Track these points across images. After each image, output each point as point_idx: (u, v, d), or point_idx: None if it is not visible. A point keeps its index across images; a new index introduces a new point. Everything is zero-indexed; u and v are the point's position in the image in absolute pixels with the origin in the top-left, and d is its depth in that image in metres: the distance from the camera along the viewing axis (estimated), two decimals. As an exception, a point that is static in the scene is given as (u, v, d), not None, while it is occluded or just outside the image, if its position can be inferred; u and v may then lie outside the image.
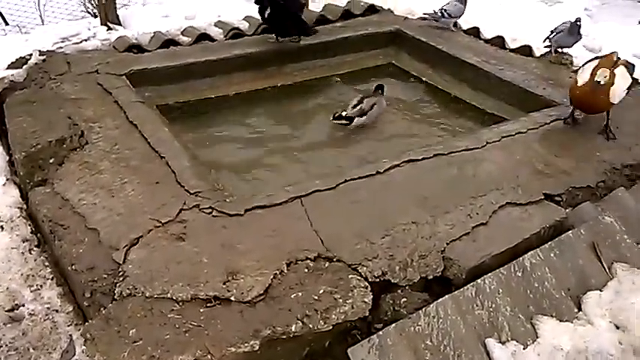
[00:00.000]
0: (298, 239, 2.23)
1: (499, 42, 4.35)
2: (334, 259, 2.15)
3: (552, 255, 2.32)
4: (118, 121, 3.03)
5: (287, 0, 4.02)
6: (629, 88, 3.11)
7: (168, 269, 2.06)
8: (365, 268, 2.14)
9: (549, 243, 2.35)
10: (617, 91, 2.99)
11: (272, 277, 2.02)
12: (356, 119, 3.52)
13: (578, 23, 3.92)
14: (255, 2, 4.10)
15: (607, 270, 2.37)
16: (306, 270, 2.08)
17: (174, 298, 1.94)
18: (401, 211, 2.46)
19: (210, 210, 2.35)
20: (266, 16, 4.05)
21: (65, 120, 3.00)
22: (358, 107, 3.54)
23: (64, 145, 2.82)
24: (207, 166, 2.89)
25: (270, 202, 2.41)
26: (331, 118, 3.53)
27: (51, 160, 2.76)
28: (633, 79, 3.15)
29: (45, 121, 2.99)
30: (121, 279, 2.04)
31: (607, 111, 3.12)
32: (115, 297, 1.99)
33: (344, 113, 3.51)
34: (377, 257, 2.20)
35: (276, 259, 2.11)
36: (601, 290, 2.28)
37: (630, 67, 3.15)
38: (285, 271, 2.07)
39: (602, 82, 2.89)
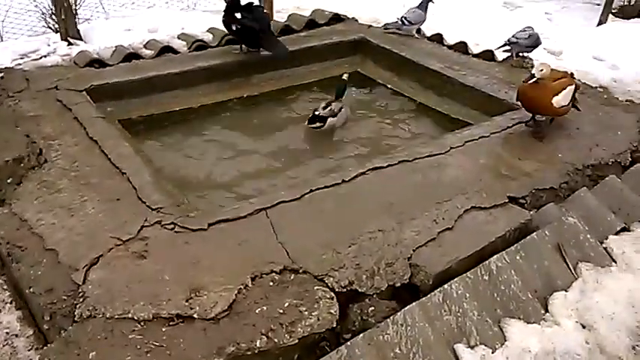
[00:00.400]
0: (263, 252, 2.20)
1: (462, 47, 4.40)
2: (300, 271, 2.13)
3: (518, 257, 2.34)
4: (78, 138, 2.96)
5: (259, 20, 4.00)
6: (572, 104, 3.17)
7: (129, 288, 2.01)
8: (331, 279, 2.12)
9: (515, 245, 2.37)
10: (561, 100, 3.03)
11: (236, 292, 1.99)
12: (329, 119, 3.54)
13: (534, 33, 4.01)
14: (226, 18, 4.06)
15: (572, 270, 2.41)
16: (272, 283, 2.05)
17: (135, 318, 1.89)
18: (367, 219, 2.45)
19: (172, 226, 2.30)
20: (234, 28, 4.00)
21: (23, 138, 2.92)
22: (328, 108, 3.57)
23: (22, 164, 2.74)
24: (170, 180, 2.85)
25: (235, 215, 2.38)
26: (306, 123, 3.55)
27: (8, 180, 2.67)
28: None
29: (1, 139, 2.90)
30: (80, 300, 1.98)
31: (551, 118, 3.19)
32: (75, 319, 1.93)
33: (317, 113, 3.52)
34: (343, 267, 2.18)
35: (240, 274, 2.07)
36: (567, 290, 2.31)
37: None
38: (250, 285, 2.03)
39: (537, 75, 2.94)
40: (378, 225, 2.42)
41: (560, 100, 3.02)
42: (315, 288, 2.04)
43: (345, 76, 3.79)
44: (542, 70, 2.96)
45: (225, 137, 3.56)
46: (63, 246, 2.23)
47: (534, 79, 2.96)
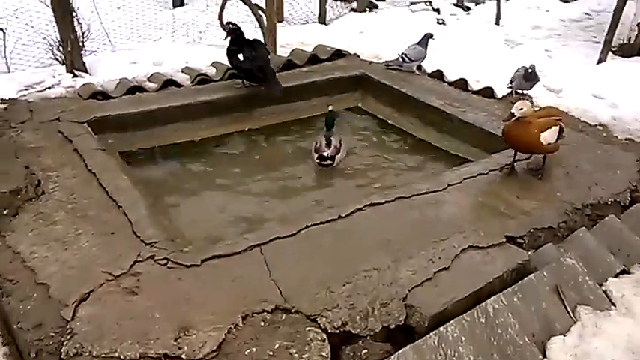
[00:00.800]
0: (256, 290, 2.18)
1: (462, 84, 4.43)
2: (292, 310, 2.10)
3: (515, 299, 2.30)
4: (77, 170, 2.98)
5: (259, 59, 4.05)
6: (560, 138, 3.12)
7: (118, 325, 1.99)
8: (324, 319, 2.09)
9: (512, 287, 2.34)
10: (548, 137, 2.99)
11: (226, 331, 1.96)
12: (337, 157, 3.58)
13: (530, 70, 4.05)
14: (229, 53, 4.13)
15: (570, 313, 2.36)
16: (263, 323, 2.02)
17: (122, 357, 1.86)
18: (363, 256, 2.43)
19: (165, 261, 2.28)
20: (242, 59, 4.05)
21: (22, 170, 2.93)
22: (332, 146, 3.57)
23: (19, 196, 2.74)
24: (167, 213, 2.84)
25: (229, 251, 2.36)
26: (317, 161, 3.57)
27: (5, 212, 2.67)
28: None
29: (0, 171, 2.91)
30: (68, 337, 1.95)
31: (544, 156, 3.16)
32: (62, 357, 1.90)
33: (325, 154, 3.54)
34: (337, 307, 2.15)
35: (231, 312, 2.05)
36: (565, 335, 2.26)
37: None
38: (241, 324, 2.00)
39: (516, 114, 2.92)
40: (373, 263, 2.39)
41: (547, 137, 2.99)
42: (307, 329, 2.00)
43: (330, 107, 3.79)
44: (521, 108, 2.93)
45: (225, 170, 3.56)
46: (54, 280, 2.22)
47: (514, 118, 2.93)
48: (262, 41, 4.89)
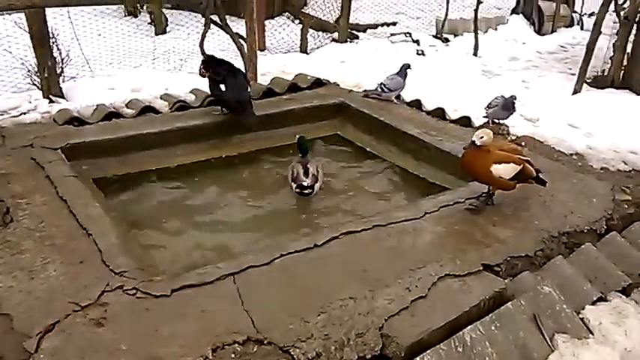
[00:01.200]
0: (228, 321, 2.12)
1: (440, 113, 4.47)
2: (264, 342, 2.04)
3: (493, 328, 2.28)
4: (47, 197, 2.91)
5: (237, 89, 4.06)
6: (518, 178, 3.01)
7: (82, 359, 1.90)
8: (298, 350, 2.03)
9: (490, 315, 2.31)
10: (501, 170, 2.93)
11: (195, 364, 1.89)
12: (316, 186, 3.54)
13: (514, 101, 4.10)
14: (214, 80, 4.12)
15: (548, 342, 2.34)
16: (233, 355, 1.96)
17: (84, 392, 1.78)
18: (338, 286, 2.39)
19: (134, 291, 2.22)
20: (223, 89, 4.04)
21: (-11, 196, 2.86)
22: (311, 175, 3.52)
23: (-14, 224, 2.67)
24: (138, 241, 2.78)
25: (200, 280, 2.30)
26: (297, 190, 3.50)
27: (-29, 240, 2.59)
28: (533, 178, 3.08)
29: (-33, 198, 2.84)
30: (30, 371, 1.87)
31: (491, 190, 3.10)
32: (22, 392, 1.81)
33: (304, 183, 3.48)
34: (311, 337, 2.10)
35: (201, 345, 1.98)
36: (542, 364, 2.23)
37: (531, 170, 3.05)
38: (210, 357, 1.94)
39: (477, 142, 2.90)
40: (349, 292, 2.35)
41: (500, 170, 2.92)
42: (279, 361, 1.95)
43: (299, 136, 3.75)
44: (482, 137, 2.90)
45: (200, 197, 3.52)
46: (18, 311, 2.13)
47: (473, 145, 2.91)
48: (242, 70, 4.90)
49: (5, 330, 2.06)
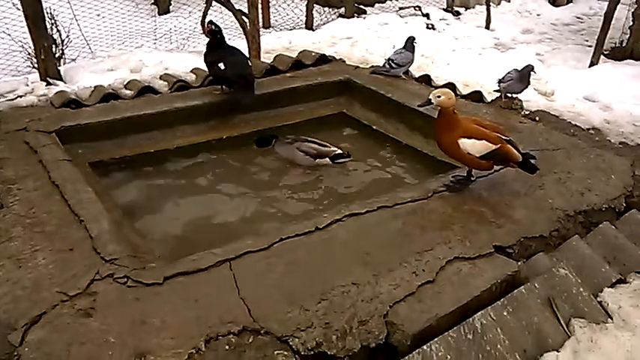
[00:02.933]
0: (222, 310, 2.00)
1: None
2: (261, 332, 1.93)
3: (505, 313, 2.15)
4: (39, 182, 2.81)
5: (236, 67, 3.92)
6: (493, 159, 2.76)
7: (68, 352, 1.81)
8: (297, 340, 1.92)
9: (501, 300, 2.19)
10: (468, 146, 2.69)
11: (186, 357, 1.78)
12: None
13: (530, 71, 3.89)
14: (211, 59, 3.99)
15: (564, 327, 2.22)
16: (227, 347, 1.85)
17: (69, 387, 1.68)
18: (341, 271, 2.26)
19: (125, 279, 2.11)
20: (222, 67, 3.90)
21: (-20, 182, 2.76)
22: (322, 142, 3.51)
23: (-25, 211, 2.57)
24: (133, 227, 2.67)
25: (194, 267, 2.19)
26: (333, 162, 3.50)
27: (-40, 227, 2.50)
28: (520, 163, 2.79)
29: (-44, 184, 2.75)
30: (14, 365, 1.78)
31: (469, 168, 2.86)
32: (6, 387, 1.73)
33: (333, 148, 3.48)
34: (311, 326, 1.99)
35: (194, 335, 1.87)
36: (558, 351, 2.12)
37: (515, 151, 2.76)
38: (203, 349, 1.83)
39: (433, 101, 2.68)
40: (352, 278, 2.23)
41: (468, 145, 2.67)
42: (276, 352, 1.83)
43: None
44: (439, 96, 2.66)
45: (199, 180, 3.41)
46: (4, 302, 2.04)
47: (430, 106, 2.71)
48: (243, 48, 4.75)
49: (-10, 322, 1.97)
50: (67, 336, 1.88)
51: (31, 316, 1.96)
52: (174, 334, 1.88)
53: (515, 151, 2.75)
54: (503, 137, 2.76)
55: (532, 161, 2.80)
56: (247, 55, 4.16)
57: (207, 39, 4.07)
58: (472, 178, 2.92)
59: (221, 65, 3.89)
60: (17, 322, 1.94)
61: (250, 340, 1.88)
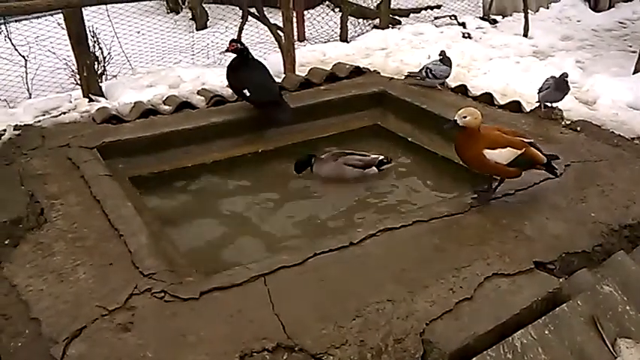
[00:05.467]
0: (257, 326, 2.01)
1: (487, 99, 4.22)
2: (295, 349, 1.92)
3: (546, 332, 2.09)
4: (81, 197, 2.89)
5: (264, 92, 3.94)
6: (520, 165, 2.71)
7: (107, 366, 1.84)
8: (331, 358, 1.91)
9: (542, 318, 2.13)
10: (495, 155, 2.63)
11: (221, 373, 1.79)
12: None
13: (566, 79, 3.79)
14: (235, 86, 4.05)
15: (610, 347, 2.13)
16: (261, 363, 1.85)
17: (107, 402, 1.71)
18: (375, 287, 2.24)
19: (162, 294, 2.14)
20: (248, 94, 3.95)
21: (25, 198, 2.86)
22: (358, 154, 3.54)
23: (21, 225, 2.66)
24: (171, 241, 2.71)
25: (230, 282, 2.20)
26: (378, 169, 3.53)
27: (6, 242, 2.59)
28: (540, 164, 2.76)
29: (3, 200, 2.85)
30: (55, 379, 1.82)
31: (493, 176, 2.79)
32: (47, 400, 1.77)
33: (373, 155, 3.55)
34: (345, 343, 1.97)
35: (228, 351, 1.88)
36: (603, 372, 2.03)
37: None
38: (238, 365, 1.84)
39: (458, 122, 2.61)
40: (387, 294, 2.20)
41: (495, 155, 2.62)
42: (310, 370, 1.82)
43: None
44: (465, 116, 2.59)
45: (235, 194, 3.44)
46: (47, 315, 2.10)
47: (455, 126, 2.62)
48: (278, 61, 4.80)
49: (34, 336, 2.03)
50: (105, 350, 1.91)
51: (71, 330, 2.00)
52: (210, 349, 1.90)
53: (540, 154, 2.72)
54: (525, 141, 2.73)
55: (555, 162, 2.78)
56: (269, 71, 4.16)
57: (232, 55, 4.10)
58: (496, 192, 2.85)
59: (246, 92, 3.93)
60: (59, 335, 1.99)
61: (285, 358, 1.88)
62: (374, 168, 3.52)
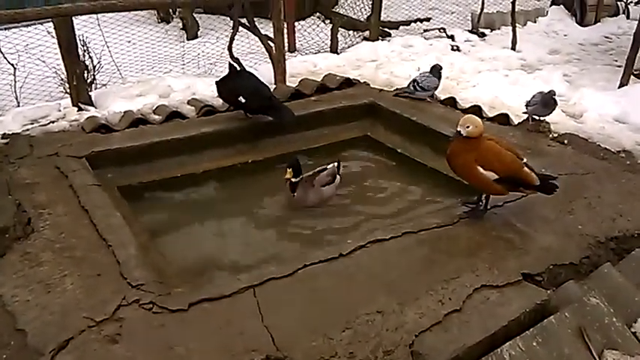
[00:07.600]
0: (246, 338, 2.00)
1: (476, 111, 4.26)
2: (284, 361, 1.91)
3: (534, 344, 2.09)
4: (69, 207, 2.86)
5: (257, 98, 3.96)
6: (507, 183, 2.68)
7: (94, 378, 1.82)
8: (320, 370, 1.90)
9: (530, 330, 2.14)
10: (485, 177, 2.61)
11: (210, 386, 1.78)
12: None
13: (554, 96, 3.85)
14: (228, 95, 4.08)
15: (597, 359, 2.13)
16: (250, 376, 1.84)
17: (93, 415, 1.69)
18: (365, 299, 2.24)
19: (150, 305, 2.13)
20: (244, 101, 3.97)
21: (12, 207, 2.82)
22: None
23: (7, 235, 2.62)
24: (160, 252, 2.70)
25: (218, 293, 2.19)
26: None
27: (-8, 251, 2.56)
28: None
29: (-11, 209, 2.82)
30: (41, 391, 1.80)
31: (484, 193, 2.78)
32: (32, 413, 1.74)
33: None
34: (335, 355, 1.97)
35: (217, 364, 1.87)
36: (591, 384, 2.04)
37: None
38: (226, 377, 1.82)
39: (462, 133, 2.62)
40: (377, 306, 2.20)
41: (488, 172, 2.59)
42: (299, 382, 1.82)
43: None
44: (468, 126, 2.59)
45: (225, 204, 3.43)
46: (33, 326, 2.08)
47: (459, 137, 2.60)
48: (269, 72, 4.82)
49: (20, 347, 2.01)
50: (93, 362, 1.89)
51: (58, 342, 1.98)
52: (198, 362, 1.89)
53: (532, 174, 2.67)
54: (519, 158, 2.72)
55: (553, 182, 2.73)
56: (261, 79, 4.20)
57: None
58: (487, 207, 2.83)
59: (241, 99, 3.94)
60: (46, 347, 1.96)
61: (274, 370, 1.87)
62: (338, 176, 3.49)
